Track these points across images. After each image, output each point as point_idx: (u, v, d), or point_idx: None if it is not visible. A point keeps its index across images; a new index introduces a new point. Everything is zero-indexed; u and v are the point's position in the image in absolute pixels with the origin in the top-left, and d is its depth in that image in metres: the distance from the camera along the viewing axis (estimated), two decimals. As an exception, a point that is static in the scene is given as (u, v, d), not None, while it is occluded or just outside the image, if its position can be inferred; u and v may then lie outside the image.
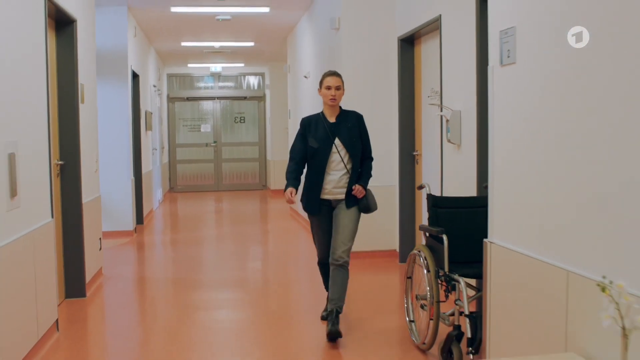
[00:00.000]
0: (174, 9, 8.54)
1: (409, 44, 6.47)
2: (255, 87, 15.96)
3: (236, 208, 12.40)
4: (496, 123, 3.14)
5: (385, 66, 6.73)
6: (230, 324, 4.79)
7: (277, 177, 14.27)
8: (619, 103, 2.19)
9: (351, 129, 4.34)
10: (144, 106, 10.05)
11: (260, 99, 15.86)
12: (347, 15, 6.82)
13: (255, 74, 15.92)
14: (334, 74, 4.38)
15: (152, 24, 9.64)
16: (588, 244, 2.37)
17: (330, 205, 4.38)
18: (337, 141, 4.30)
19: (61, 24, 5.10)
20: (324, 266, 4.55)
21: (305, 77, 9.23)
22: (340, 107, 4.42)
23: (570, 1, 2.48)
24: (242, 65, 15.23)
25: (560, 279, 2.53)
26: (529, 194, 2.82)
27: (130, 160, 8.50)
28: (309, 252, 6.95)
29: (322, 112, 4.42)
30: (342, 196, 4.33)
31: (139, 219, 9.45)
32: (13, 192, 3.55)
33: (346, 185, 4.32)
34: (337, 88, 4.32)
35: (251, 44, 11.77)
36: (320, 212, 4.37)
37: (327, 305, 4.42)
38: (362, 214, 4.41)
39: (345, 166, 4.29)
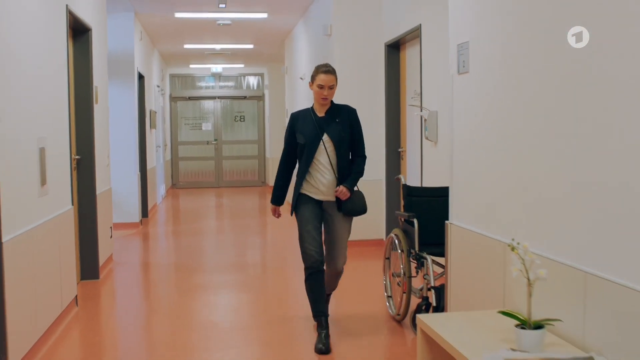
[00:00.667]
0: (177, 15, 9.11)
1: (394, 49, 7.03)
2: (255, 87, 16.53)
3: (236, 203, 12.96)
4: (455, 122, 3.70)
5: (373, 70, 7.29)
6: (228, 302, 5.36)
7: (275, 174, 14.82)
8: (550, 105, 2.75)
9: (341, 123, 4.06)
10: (148, 105, 10.62)
11: (260, 98, 16.43)
12: (338, 23, 7.39)
13: (254, 75, 16.48)
14: (328, 71, 4.03)
15: (156, 28, 10.21)
16: (519, 222, 2.93)
17: (321, 206, 4.13)
18: (325, 137, 4.04)
19: (78, 32, 5.66)
20: (315, 274, 4.00)
21: (301, 78, 9.80)
22: (332, 101, 4.15)
23: (512, 20, 3.04)
24: (242, 66, 15.79)
25: (500, 250, 3.09)
26: (480, 183, 3.38)
27: (137, 157, 9.08)
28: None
29: (312, 107, 4.17)
30: (333, 198, 4.08)
31: (144, 212, 10.01)
32: (43, 181, 4.12)
33: (335, 185, 4.07)
34: (330, 87, 4.03)
35: (250, 46, 12.33)
36: (307, 212, 4.08)
37: (319, 337, 3.98)
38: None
39: (333, 166, 4.05)
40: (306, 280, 4.05)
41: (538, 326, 2.35)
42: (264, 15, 9.21)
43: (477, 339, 2.53)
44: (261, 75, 16.44)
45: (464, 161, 3.60)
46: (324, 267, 4.08)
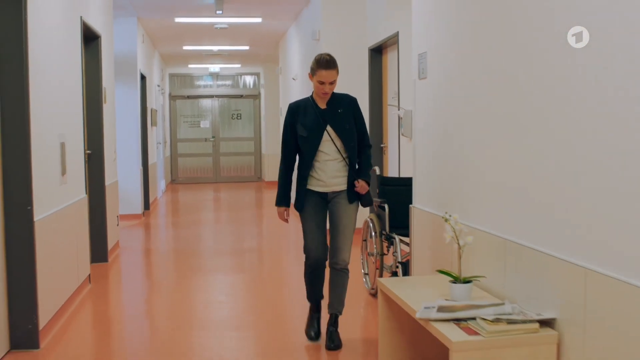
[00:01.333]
0: (177, 19, 9.73)
1: (377, 53, 7.66)
2: (251, 86, 17.17)
3: (233, 197, 13.59)
4: (416, 121, 4.34)
5: (358, 72, 7.92)
6: (225, 281, 6.00)
7: (271, 169, 15.47)
8: (491, 105, 3.38)
9: (344, 114, 3.91)
10: (149, 104, 11.25)
11: (256, 97, 17.06)
12: (326, 28, 8.02)
13: (251, 74, 17.11)
14: (330, 66, 3.82)
15: (157, 31, 10.84)
16: (460, 202, 3.57)
17: (326, 198, 3.97)
18: (329, 128, 3.87)
19: (89, 39, 6.28)
20: (316, 270, 3.98)
21: (294, 79, 10.43)
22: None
23: (460, 35, 3.67)
24: (238, 66, 16.41)
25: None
26: (435, 172, 4.02)
27: (139, 153, 9.70)
28: (297, 232, 8.17)
29: (311, 97, 3.99)
30: (340, 187, 3.93)
31: (146, 205, 10.64)
32: (63, 171, 4.75)
33: (345, 176, 3.92)
34: (331, 83, 3.86)
35: (246, 47, 12.96)
36: (310, 207, 3.95)
37: (312, 321, 4.11)
38: None
39: (342, 155, 3.88)
40: (305, 274, 4.04)
41: (467, 281, 2.99)
42: (259, 19, 9.84)
43: (421, 294, 3.17)
44: (257, 74, 17.07)
45: (423, 154, 4.24)
46: (327, 263, 4.01)
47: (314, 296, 4.10)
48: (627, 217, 2.20)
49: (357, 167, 3.99)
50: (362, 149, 3.99)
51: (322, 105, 3.94)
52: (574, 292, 2.49)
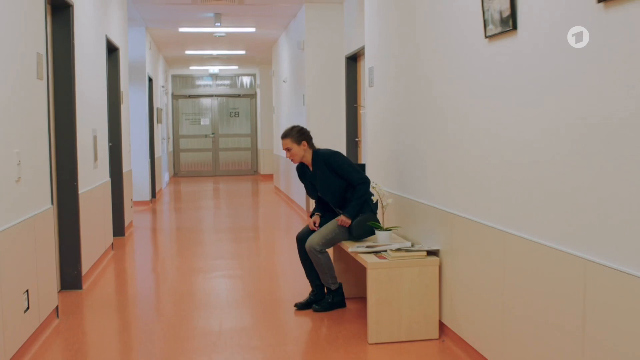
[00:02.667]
0: (181, 29, 11.05)
1: (353, 61, 8.98)
2: (248, 86, 18.50)
3: (231, 188, 14.93)
4: (368, 119, 5.66)
5: (337, 76, 9.24)
6: (223, 251, 7.33)
7: (266, 163, 16.82)
8: (419, 105, 4.70)
9: (323, 173, 4.49)
10: (155, 104, 12.57)
11: (252, 96, 18.40)
12: (309, 39, 9.35)
13: (247, 75, 18.44)
14: (283, 136, 4.57)
15: (163, 39, 12.17)
16: (391, 177, 4.88)
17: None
18: (319, 187, 4.58)
19: (110, 51, 7.60)
20: (297, 244, 4.68)
21: (284, 81, 11.76)
22: (314, 151, 4.59)
23: (395, 52, 4.98)
24: (236, 67, 17.73)
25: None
26: (382, 157, 5.35)
27: (147, 147, 11.02)
28: (288, 214, 9.49)
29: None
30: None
31: (153, 193, 11.96)
32: (95, 158, 6.08)
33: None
34: (288, 149, 4.55)
35: (243, 52, 14.27)
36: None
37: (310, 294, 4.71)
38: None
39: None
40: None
41: (388, 229, 4.31)
42: (253, 29, 11.16)
43: (358, 242, 4.49)
44: (253, 75, 18.39)
45: (372, 147, 5.57)
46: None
47: (306, 272, 4.70)
48: (476, 174, 3.53)
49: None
50: (354, 187, 4.44)
51: (311, 168, 4.61)
52: (448, 233, 3.83)
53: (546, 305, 2.76)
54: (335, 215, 4.60)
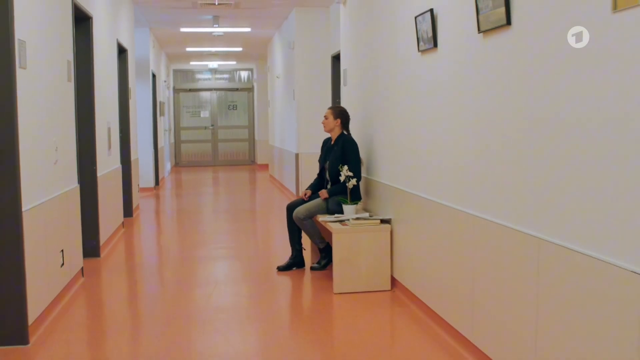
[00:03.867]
0: (182, 29, 12.00)
1: (338, 60, 9.91)
2: (245, 80, 19.45)
3: (229, 176, 15.91)
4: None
5: (324, 73, 10.20)
6: (221, 228, 8.31)
7: (263, 154, 17.80)
8: (378, 99, 5.66)
9: (337, 150, 5.40)
10: (158, 97, 13.53)
11: (249, 90, 19.35)
12: (299, 40, 10.30)
13: (245, 70, 19.39)
14: (330, 107, 5.63)
15: (165, 38, 13.12)
16: (369, 165, 5.84)
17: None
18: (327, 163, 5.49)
19: (120, 52, 8.56)
20: (287, 213, 5.62)
21: (277, 77, 12.72)
22: (343, 132, 5.50)
23: (361, 57, 5.93)
24: (234, 62, 18.67)
25: (370, 182, 6.01)
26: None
27: (152, 137, 11.99)
28: (279, 199, 10.46)
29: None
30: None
31: (157, 181, 12.94)
32: (109, 146, 7.06)
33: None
34: (325, 117, 5.53)
35: (240, 49, 15.22)
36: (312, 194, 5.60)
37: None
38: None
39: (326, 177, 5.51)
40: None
41: (353, 204, 5.27)
42: (248, 29, 12.11)
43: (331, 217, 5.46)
44: (251, 70, 19.33)
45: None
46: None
47: (290, 240, 5.62)
48: (416, 158, 4.50)
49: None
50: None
51: (332, 142, 5.56)
52: (397, 205, 4.80)
53: (462, 257, 3.74)
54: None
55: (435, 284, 4.12)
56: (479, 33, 3.30)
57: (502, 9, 2.99)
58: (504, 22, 3.01)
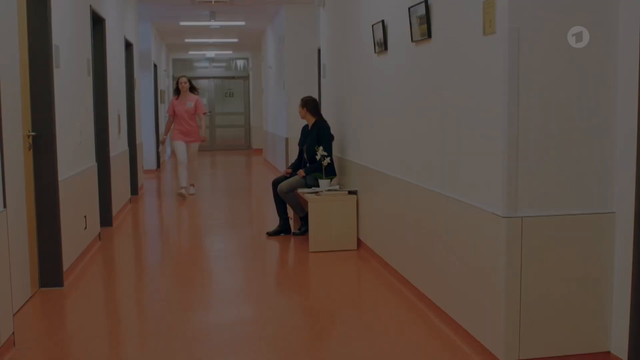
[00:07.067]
0: (182, 23, 12.96)
1: (323, 52, 10.89)
2: (242, 69, 20.39)
3: (226, 160, 16.90)
4: (324, 103, 7.61)
5: (310, 66, 11.17)
6: (219, 203, 9.33)
7: (258, 139, 18.79)
8: (349, 89, 6.64)
9: (313, 134, 6.37)
10: (159, 86, 14.49)
11: (245, 78, 20.29)
12: (288, 34, 11.27)
13: (241, 59, 20.32)
14: (301, 101, 6.58)
15: (166, 31, 14.08)
16: (342, 146, 6.83)
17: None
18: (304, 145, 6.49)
19: (126, 47, 9.52)
20: (272, 188, 6.64)
21: (270, 67, 13.69)
22: (317, 119, 6.47)
23: (335, 53, 6.90)
24: (231, 52, 19.61)
25: (342, 161, 7.00)
26: (333, 130, 7.31)
27: (154, 124, 12.97)
28: (271, 178, 11.48)
29: None
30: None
31: (158, 164, 13.93)
32: (119, 131, 8.05)
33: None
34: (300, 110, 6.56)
35: (235, 40, 16.17)
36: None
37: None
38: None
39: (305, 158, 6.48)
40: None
41: (328, 179, 6.27)
42: (242, 23, 13.07)
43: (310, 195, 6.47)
44: (246, 59, 20.27)
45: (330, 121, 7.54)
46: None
47: (277, 211, 6.71)
48: (373, 139, 5.50)
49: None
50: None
51: (309, 127, 6.55)
52: (362, 179, 5.81)
53: (404, 218, 4.76)
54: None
55: (388, 242, 5.13)
56: (412, 42, 4.30)
57: (425, 26, 3.99)
58: (427, 35, 4.01)
